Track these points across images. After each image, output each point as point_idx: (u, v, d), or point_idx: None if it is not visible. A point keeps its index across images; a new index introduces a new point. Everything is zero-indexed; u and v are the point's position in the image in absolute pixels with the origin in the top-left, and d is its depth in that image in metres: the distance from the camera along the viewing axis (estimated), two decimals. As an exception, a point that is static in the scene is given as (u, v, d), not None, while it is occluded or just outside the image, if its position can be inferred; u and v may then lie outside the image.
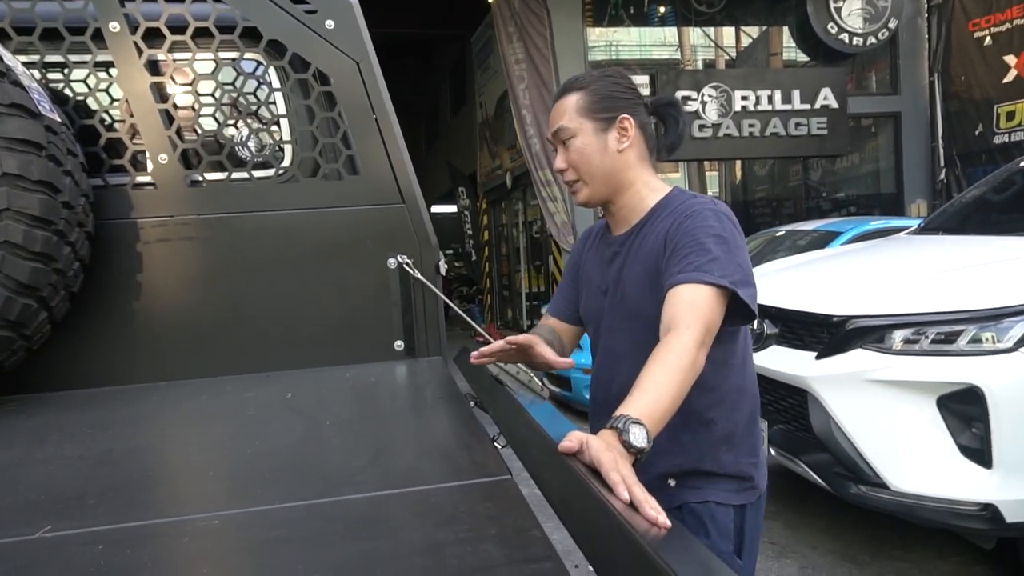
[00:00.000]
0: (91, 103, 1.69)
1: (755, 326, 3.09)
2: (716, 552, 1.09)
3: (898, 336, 2.51)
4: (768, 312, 3.06)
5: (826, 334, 2.71)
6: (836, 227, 5.92)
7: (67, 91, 1.68)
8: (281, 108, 1.79)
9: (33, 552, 0.73)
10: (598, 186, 1.36)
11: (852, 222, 5.98)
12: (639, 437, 0.93)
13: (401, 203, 1.79)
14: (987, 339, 2.36)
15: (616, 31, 9.04)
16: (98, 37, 1.62)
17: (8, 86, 1.35)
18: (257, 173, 1.76)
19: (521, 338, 1.30)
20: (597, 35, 8.88)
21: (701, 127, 8.17)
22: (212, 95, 1.74)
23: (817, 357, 2.69)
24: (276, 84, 1.77)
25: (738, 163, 10.34)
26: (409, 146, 1.83)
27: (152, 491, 0.93)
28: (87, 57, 1.64)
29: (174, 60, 1.69)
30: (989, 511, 2.28)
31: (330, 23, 1.72)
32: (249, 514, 0.80)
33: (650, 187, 1.37)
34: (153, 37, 1.64)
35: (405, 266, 1.77)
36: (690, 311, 1.13)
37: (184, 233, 1.70)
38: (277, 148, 1.81)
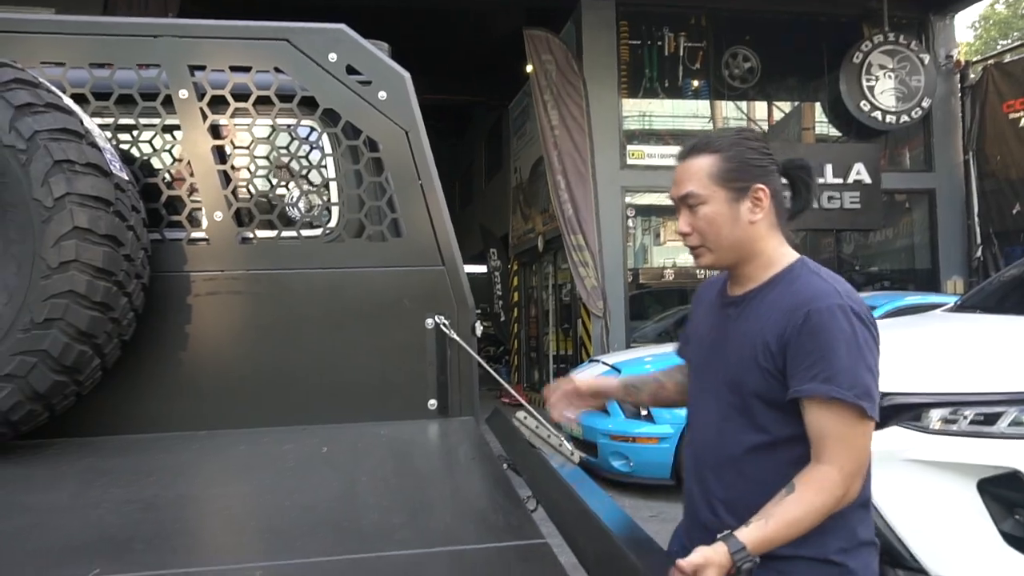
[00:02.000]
0: (155, 163, 1.80)
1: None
2: None
3: (935, 415, 2.46)
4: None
5: (861, 410, 2.66)
6: (870, 302, 5.87)
7: (135, 151, 1.79)
8: (331, 172, 1.88)
9: None
10: (724, 254, 1.31)
11: (887, 296, 5.93)
12: (746, 563, 1.06)
13: (441, 265, 1.84)
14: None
15: (650, 103, 9.25)
16: (167, 103, 1.74)
17: (85, 147, 1.45)
18: (305, 232, 1.83)
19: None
20: (631, 105, 9.09)
21: (733, 198, 8.26)
22: (267, 158, 1.84)
23: (852, 433, 2.64)
24: (328, 149, 1.87)
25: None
26: (443, 208, 1.89)
27: (196, 539, 0.96)
28: (156, 120, 1.75)
29: (235, 125, 1.79)
30: (1035, 605, 2.19)
31: (383, 94, 1.82)
32: (290, 566, 0.82)
33: (778, 254, 1.32)
34: (217, 103, 1.76)
35: (442, 326, 1.81)
36: (840, 446, 1.15)
37: (233, 287, 1.77)
38: (325, 210, 1.89)
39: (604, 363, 6.06)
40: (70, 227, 1.39)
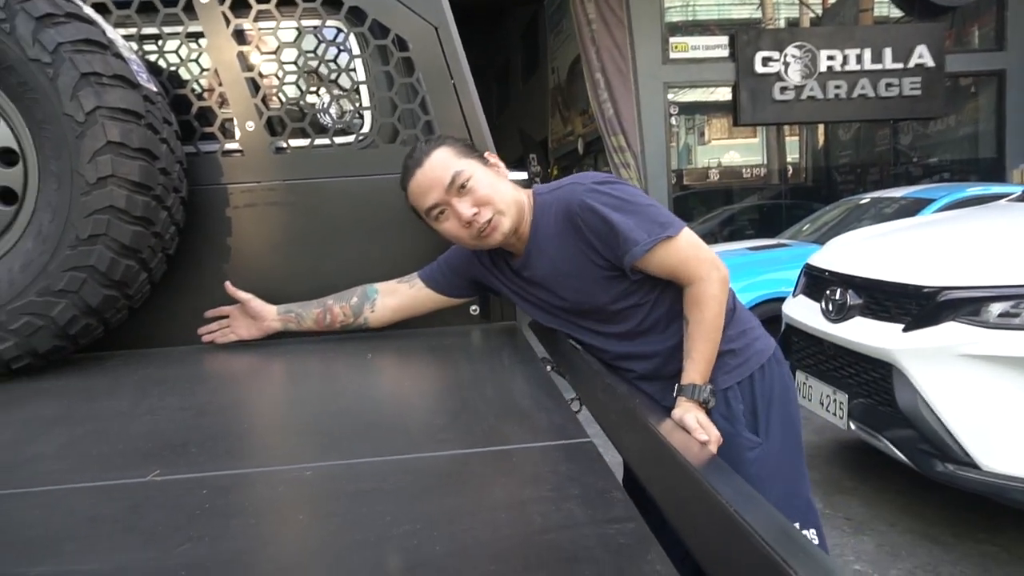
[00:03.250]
0: (184, 73, 1.76)
1: (838, 296, 2.98)
2: (738, 440, 1.38)
3: (996, 309, 2.37)
4: (852, 282, 2.94)
5: (915, 306, 2.58)
6: (928, 194, 5.60)
7: (161, 62, 1.75)
8: (361, 75, 1.81)
9: (145, 493, 0.78)
10: (512, 215, 1.40)
11: (946, 188, 5.65)
12: (710, 396, 1.31)
13: (477, 168, 1.79)
14: (1097, 313, 2.20)
15: (694, -11, 8.71)
16: (189, 9, 1.68)
17: (110, 58, 1.41)
18: (338, 139, 1.79)
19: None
20: (673, -7, 8.58)
21: (783, 89, 7.84)
22: (295, 63, 1.78)
23: (905, 329, 2.57)
24: (356, 51, 1.80)
25: (820, 127, 9.88)
26: (482, 112, 1.83)
27: (248, 442, 0.99)
28: (179, 28, 1.70)
29: (259, 29, 1.73)
30: (1089, 496, 2.16)
31: (409, -12, 1.72)
32: (338, 466, 0.83)
33: (522, 201, 1.46)
34: (240, 7, 1.69)
35: (481, 231, 1.77)
36: (691, 263, 1.33)
37: (270, 198, 1.76)
38: (357, 115, 1.84)
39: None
40: (104, 142, 1.37)
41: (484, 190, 1.35)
